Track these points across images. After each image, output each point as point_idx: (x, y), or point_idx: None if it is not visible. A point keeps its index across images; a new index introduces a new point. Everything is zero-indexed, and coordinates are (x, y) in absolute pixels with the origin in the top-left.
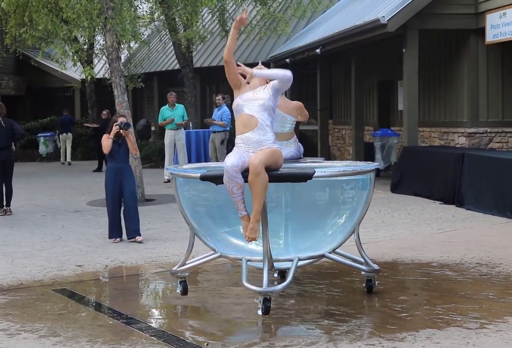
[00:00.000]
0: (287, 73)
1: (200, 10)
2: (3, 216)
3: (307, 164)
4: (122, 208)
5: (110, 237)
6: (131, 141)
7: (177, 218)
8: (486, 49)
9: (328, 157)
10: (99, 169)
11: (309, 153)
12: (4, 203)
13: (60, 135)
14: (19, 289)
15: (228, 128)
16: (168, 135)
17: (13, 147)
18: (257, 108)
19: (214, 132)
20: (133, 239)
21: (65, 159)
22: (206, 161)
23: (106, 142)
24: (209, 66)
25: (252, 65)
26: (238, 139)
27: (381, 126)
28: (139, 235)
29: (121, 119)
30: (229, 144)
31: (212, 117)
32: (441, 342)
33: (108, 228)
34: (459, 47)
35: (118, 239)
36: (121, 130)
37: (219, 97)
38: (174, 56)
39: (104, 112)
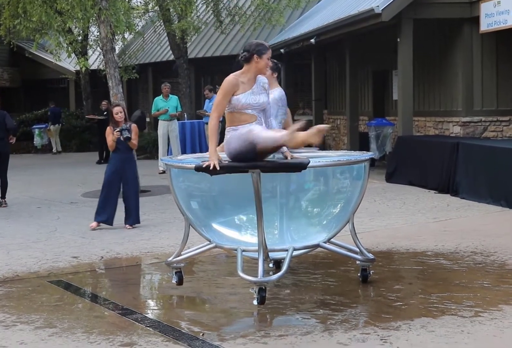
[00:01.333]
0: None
1: (195, 0)
2: None
3: (302, 153)
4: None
5: (95, 220)
6: (134, 136)
7: (172, 209)
8: (480, 38)
9: (323, 147)
10: (101, 161)
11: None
12: None
13: (52, 126)
14: (15, 281)
15: (220, 119)
16: (162, 126)
17: (13, 140)
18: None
19: (207, 123)
20: (128, 226)
21: (56, 150)
22: (201, 151)
23: (110, 142)
24: (203, 57)
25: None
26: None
27: (376, 115)
28: (130, 222)
29: (118, 114)
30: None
31: (204, 109)
32: (436, 330)
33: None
34: (453, 36)
35: (97, 223)
36: (121, 138)
37: (206, 91)
38: (169, 47)
39: (103, 102)
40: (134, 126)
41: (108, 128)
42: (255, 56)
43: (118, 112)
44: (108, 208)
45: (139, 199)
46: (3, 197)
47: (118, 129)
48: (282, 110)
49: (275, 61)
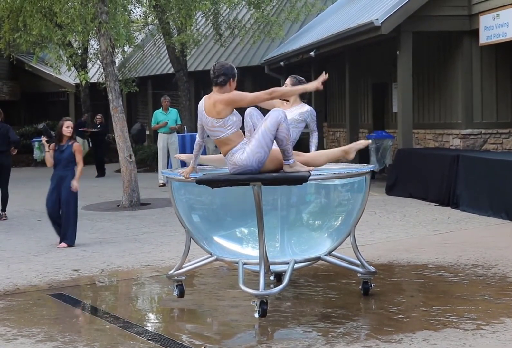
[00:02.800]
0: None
1: (194, 14)
2: None
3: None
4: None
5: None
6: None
7: (173, 222)
8: (480, 50)
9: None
10: (100, 175)
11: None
12: (0, 208)
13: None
14: (15, 294)
15: None
16: (161, 139)
17: (14, 152)
18: None
19: (208, 136)
20: (60, 245)
21: None
22: (201, 164)
23: (46, 156)
24: (203, 69)
25: (244, 69)
26: None
27: (375, 128)
28: (66, 241)
29: (69, 128)
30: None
31: None
32: (438, 343)
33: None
34: (453, 49)
35: (63, 245)
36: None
37: None
38: (168, 60)
39: (97, 116)
40: (77, 145)
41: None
42: (231, 79)
43: (69, 126)
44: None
45: (77, 220)
46: (4, 210)
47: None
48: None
49: (298, 77)
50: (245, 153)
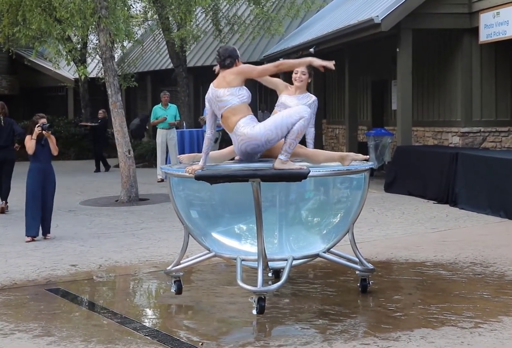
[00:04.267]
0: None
1: (194, 9)
2: None
3: (302, 163)
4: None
5: (26, 235)
6: (53, 142)
7: (171, 218)
8: (479, 48)
9: None
10: (98, 170)
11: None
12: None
13: None
14: (12, 289)
15: (221, 128)
16: (160, 134)
17: (16, 145)
18: None
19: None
20: (46, 236)
21: None
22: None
23: (30, 143)
24: (202, 65)
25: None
26: None
27: (375, 125)
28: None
29: (42, 121)
30: (223, 143)
31: (204, 115)
32: (436, 341)
33: (25, 225)
34: (452, 47)
35: (32, 238)
36: (43, 132)
37: None
38: (168, 56)
39: (100, 111)
40: (52, 137)
41: (27, 136)
42: (236, 60)
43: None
44: (37, 221)
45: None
46: (5, 199)
47: (39, 124)
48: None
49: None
50: (257, 127)
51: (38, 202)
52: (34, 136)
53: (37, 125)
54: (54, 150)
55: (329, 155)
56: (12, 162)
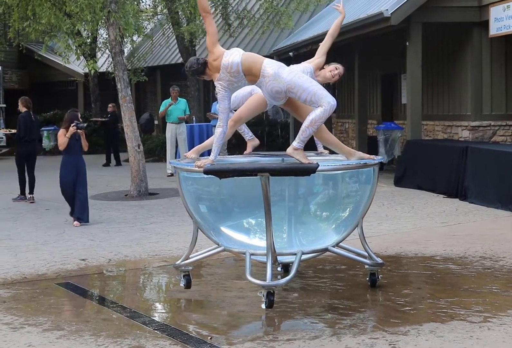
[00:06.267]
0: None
1: None
2: (6, 210)
3: (311, 157)
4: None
5: (78, 221)
6: (84, 139)
7: (180, 212)
8: (489, 42)
9: (332, 151)
10: (108, 164)
11: (312, 147)
12: (28, 191)
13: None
14: (22, 283)
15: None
16: (170, 128)
17: None
18: None
19: (214, 126)
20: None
21: None
22: (209, 154)
23: (62, 140)
24: None
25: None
26: None
27: (384, 119)
28: (81, 221)
29: (76, 116)
30: (232, 138)
31: (212, 111)
32: (445, 335)
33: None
34: (462, 40)
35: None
36: (78, 130)
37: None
38: (177, 50)
39: (110, 105)
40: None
41: (61, 131)
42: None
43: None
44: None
45: (87, 199)
46: (32, 192)
47: (74, 124)
48: None
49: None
50: (287, 69)
51: (73, 192)
52: (69, 134)
53: (72, 125)
54: (85, 146)
55: (340, 147)
56: (36, 155)
